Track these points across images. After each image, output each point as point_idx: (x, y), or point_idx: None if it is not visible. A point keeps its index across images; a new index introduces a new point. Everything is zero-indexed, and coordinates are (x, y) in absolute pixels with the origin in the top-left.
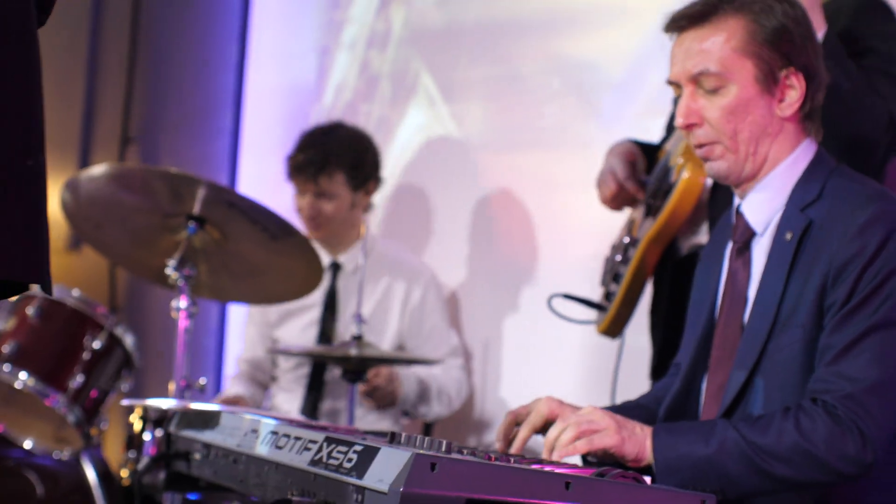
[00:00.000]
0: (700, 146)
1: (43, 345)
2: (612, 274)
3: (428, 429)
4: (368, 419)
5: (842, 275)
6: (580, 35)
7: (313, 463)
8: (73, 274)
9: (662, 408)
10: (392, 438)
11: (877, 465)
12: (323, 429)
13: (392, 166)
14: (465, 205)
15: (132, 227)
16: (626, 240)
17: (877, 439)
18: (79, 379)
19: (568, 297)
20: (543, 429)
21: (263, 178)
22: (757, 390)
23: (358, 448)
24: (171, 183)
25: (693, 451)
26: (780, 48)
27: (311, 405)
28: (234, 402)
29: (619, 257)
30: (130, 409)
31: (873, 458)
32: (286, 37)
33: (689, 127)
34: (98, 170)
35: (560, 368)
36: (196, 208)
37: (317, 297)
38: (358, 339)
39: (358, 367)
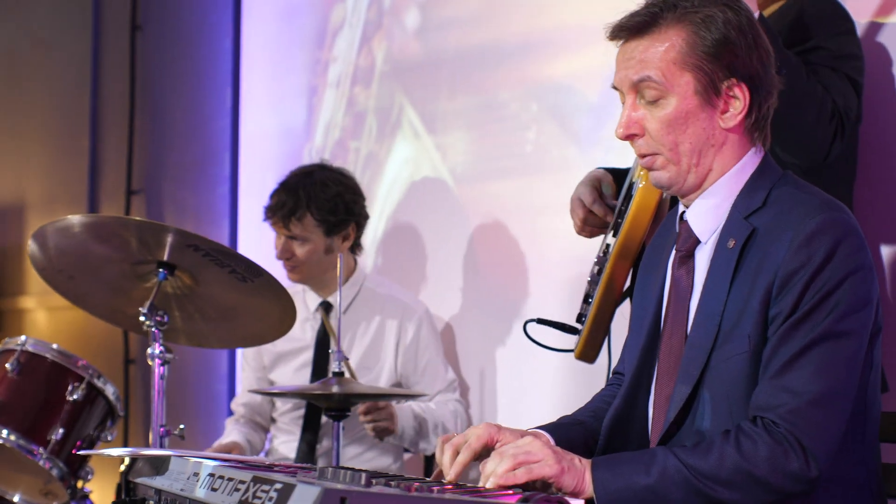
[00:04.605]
0: (642, 156)
1: (22, 399)
2: (585, 296)
3: (430, 462)
4: (367, 456)
5: (787, 285)
6: (555, 58)
7: (241, 503)
8: (85, 327)
9: (606, 420)
10: (320, 474)
11: (824, 478)
12: (258, 467)
13: (382, 202)
14: (453, 235)
15: (105, 277)
16: (597, 261)
17: (821, 453)
18: (60, 432)
19: (541, 321)
20: (483, 455)
21: (263, 223)
22: (703, 402)
23: (278, 486)
24: (138, 231)
25: (634, 482)
26: (721, 60)
27: (308, 446)
28: (228, 449)
29: (590, 279)
30: (120, 460)
31: (818, 472)
32: (276, 79)
33: (629, 137)
34: (64, 221)
35: (553, 394)
36: (165, 255)
37: (310, 338)
38: (339, 375)
39: (341, 405)
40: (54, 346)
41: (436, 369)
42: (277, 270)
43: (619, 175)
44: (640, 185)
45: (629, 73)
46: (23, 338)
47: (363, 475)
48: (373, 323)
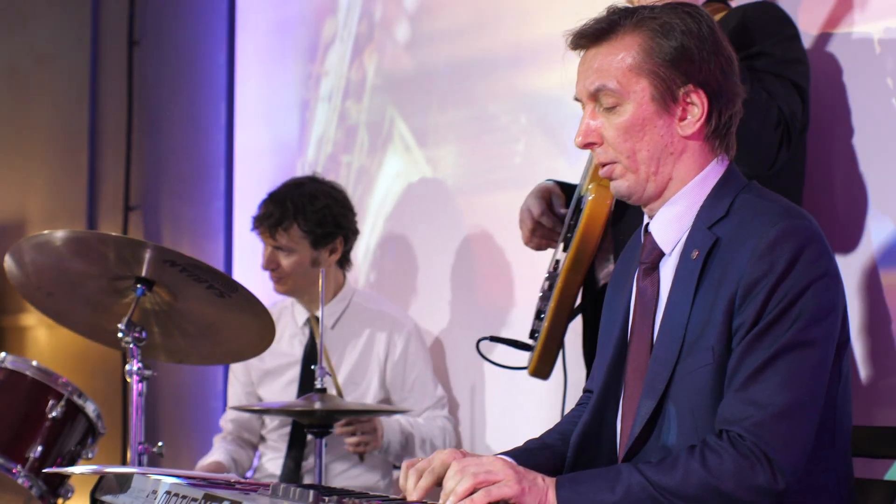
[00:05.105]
0: (603, 165)
1: (1, 417)
2: (536, 311)
3: None
4: (353, 473)
5: (750, 294)
6: (543, 70)
7: None
8: (85, 344)
9: (574, 437)
10: (273, 491)
11: (792, 490)
12: (216, 485)
13: (374, 215)
14: (445, 248)
15: (84, 294)
16: (548, 277)
17: (787, 465)
18: (39, 450)
19: (494, 339)
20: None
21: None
22: (669, 417)
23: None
24: (115, 246)
25: (599, 501)
26: (678, 67)
27: (294, 463)
28: (211, 469)
29: (541, 294)
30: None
31: (785, 485)
32: (269, 93)
33: (587, 146)
34: (41, 237)
35: (543, 411)
36: (143, 270)
37: (298, 353)
38: (322, 391)
39: (323, 422)
40: (34, 362)
41: (424, 385)
42: (270, 285)
43: (568, 189)
44: (590, 198)
45: (586, 84)
46: (2, 354)
47: (312, 493)
48: (361, 338)
